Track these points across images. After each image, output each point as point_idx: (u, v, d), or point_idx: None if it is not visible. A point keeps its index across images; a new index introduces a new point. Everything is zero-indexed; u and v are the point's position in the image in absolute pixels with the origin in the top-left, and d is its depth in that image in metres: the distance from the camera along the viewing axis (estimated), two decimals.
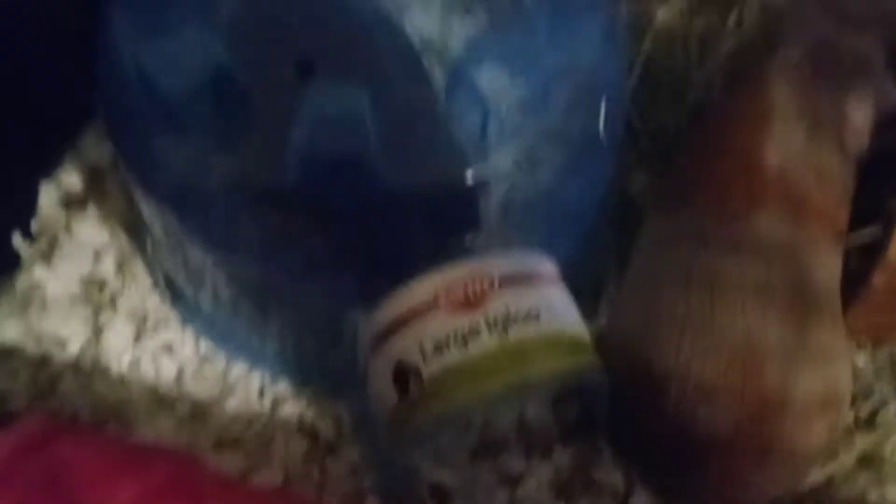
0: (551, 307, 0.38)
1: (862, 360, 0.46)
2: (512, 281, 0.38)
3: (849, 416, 0.44)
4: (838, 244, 0.42)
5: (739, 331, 0.39)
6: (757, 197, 0.41)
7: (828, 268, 0.41)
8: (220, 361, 0.47)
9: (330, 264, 0.40)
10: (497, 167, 0.39)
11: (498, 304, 0.37)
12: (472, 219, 0.40)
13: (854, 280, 0.42)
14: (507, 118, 0.38)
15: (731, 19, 0.50)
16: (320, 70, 0.40)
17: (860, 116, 0.43)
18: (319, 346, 0.45)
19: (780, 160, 0.41)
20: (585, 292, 0.41)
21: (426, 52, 0.41)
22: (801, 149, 0.42)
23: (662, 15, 0.52)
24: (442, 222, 0.40)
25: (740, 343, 0.39)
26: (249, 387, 0.46)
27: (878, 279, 0.42)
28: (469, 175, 0.39)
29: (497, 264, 0.39)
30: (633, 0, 0.51)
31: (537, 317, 0.38)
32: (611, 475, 0.43)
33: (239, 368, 0.47)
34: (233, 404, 0.46)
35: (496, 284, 0.38)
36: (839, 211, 0.42)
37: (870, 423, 0.45)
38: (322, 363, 0.46)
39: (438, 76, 0.40)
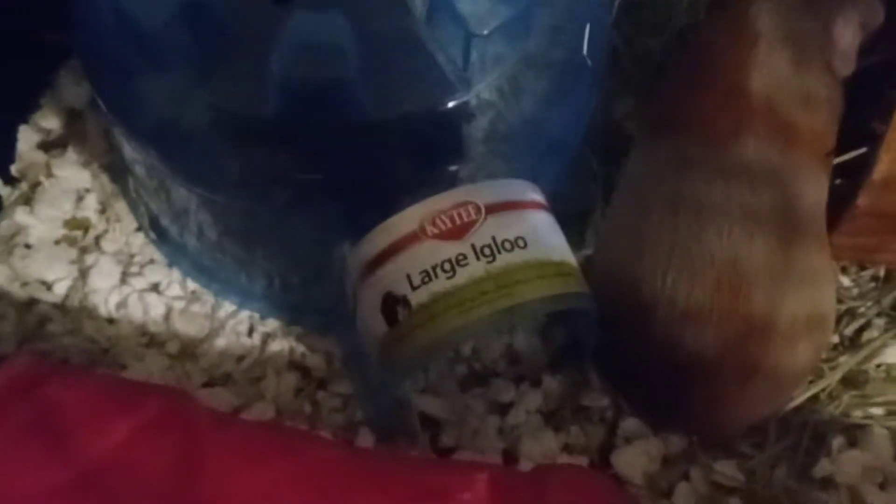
0: (538, 234, 0.38)
1: (847, 281, 0.47)
2: (498, 209, 0.38)
3: (833, 337, 0.45)
4: (825, 167, 0.42)
5: (726, 254, 0.39)
6: (743, 123, 0.41)
7: (814, 192, 0.41)
8: (208, 300, 0.47)
9: (314, 197, 0.39)
10: (480, 95, 0.39)
11: (484, 233, 0.37)
12: (456, 148, 0.39)
13: (839, 202, 0.42)
14: (490, 45, 0.38)
15: None
16: None
17: (847, 39, 0.42)
18: (307, 281, 0.45)
19: (766, 86, 0.41)
20: (572, 219, 0.41)
21: None
22: (787, 74, 0.41)
23: None
24: (426, 152, 0.40)
25: (727, 266, 0.39)
26: (238, 325, 0.46)
27: (863, 201, 0.42)
28: (452, 103, 0.38)
29: (483, 193, 0.38)
30: None
31: (524, 244, 0.38)
32: (599, 401, 0.44)
33: (227, 307, 0.47)
34: (222, 342, 0.46)
35: (482, 213, 0.38)
36: (826, 135, 0.42)
37: (854, 343, 0.45)
38: (310, 298, 0.46)
39: (419, 3, 0.40)
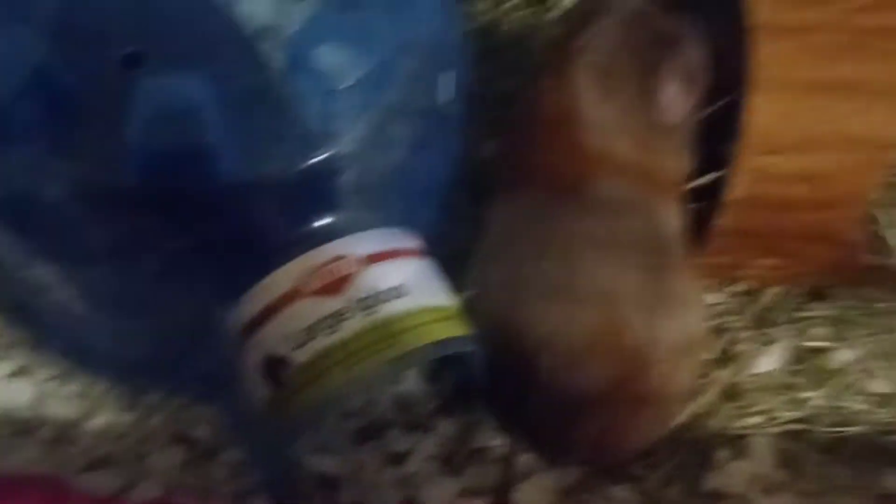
0: (418, 281, 0.39)
1: (715, 297, 0.48)
2: (376, 259, 0.38)
3: (708, 353, 0.47)
4: (679, 195, 0.44)
5: (599, 289, 0.40)
6: (588, 174, 0.42)
7: (672, 218, 0.43)
8: (80, 380, 0.45)
9: (186, 263, 0.38)
10: (347, 147, 0.39)
11: (363, 284, 0.37)
12: (327, 202, 0.39)
13: (699, 224, 0.44)
14: (352, 97, 0.38)
15: None
16: (150, 62, 0.38)
17: (669, 93, 0.43)
18: (185, 350, 0.43)
19: (601, 138, 0.42)
20: (451, 261, 0.41)
21: (263, 36, 0.40)
22: (616, 125, 0.42)
23: None
24: (297, 208, 0.39)
25: (602, 301, 0.40)
26: (115, 402, 0.44)
27: (721, 222, 0.44)
28: (319, 158, 0.38)
29: (359, 244, 0.38)
30: None
31: (405, 292, 0.38)
32: (493, 441, 0.44)
33: (102, 383, 0.45)
34: (100, 421, 0.44)
35: (360, 265, 0.38)
36: (674, 168, 0.44)
37: (727, 357, 0.47)
38: (190, 367, 0.44)
39: (278, 59, 0.39)
